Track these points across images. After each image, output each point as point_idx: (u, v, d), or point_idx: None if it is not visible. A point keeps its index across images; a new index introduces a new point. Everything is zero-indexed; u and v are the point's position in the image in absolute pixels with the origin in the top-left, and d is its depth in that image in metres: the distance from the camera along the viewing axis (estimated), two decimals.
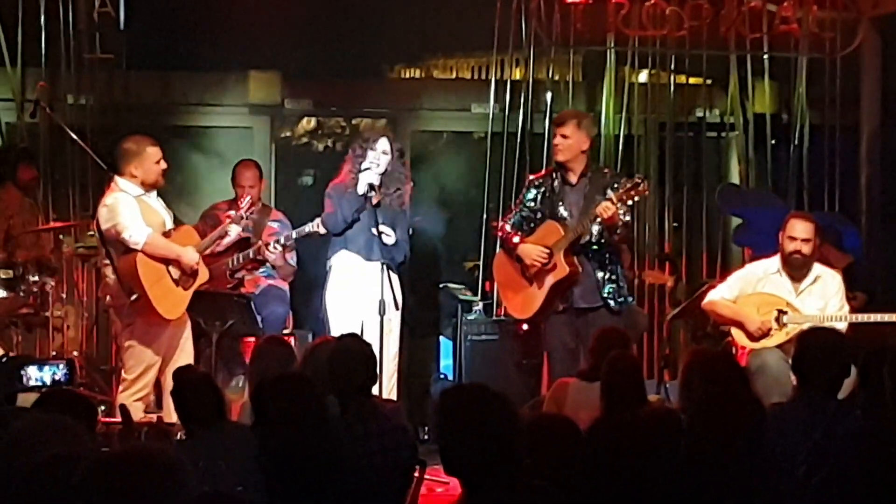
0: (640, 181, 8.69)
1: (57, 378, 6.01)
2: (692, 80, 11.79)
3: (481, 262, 11.14)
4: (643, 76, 11.60)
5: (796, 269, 8.97)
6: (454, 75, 12.24)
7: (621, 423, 4.34)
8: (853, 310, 9.05)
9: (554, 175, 8.99)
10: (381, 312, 8.61)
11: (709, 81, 11.84)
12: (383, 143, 9.12)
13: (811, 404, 6.01)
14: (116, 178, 8.67)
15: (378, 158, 9.07)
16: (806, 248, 8.92)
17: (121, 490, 3.20)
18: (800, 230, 8.95)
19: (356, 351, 6.34)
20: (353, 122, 12.18)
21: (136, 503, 3.19)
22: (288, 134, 12.11)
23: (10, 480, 3.62)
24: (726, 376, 5.75)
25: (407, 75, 12.30)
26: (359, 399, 6.10)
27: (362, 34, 11.38)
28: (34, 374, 6.04)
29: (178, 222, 9.03)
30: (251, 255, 9.53)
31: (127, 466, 3.25)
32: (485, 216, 11.25)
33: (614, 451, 3.97)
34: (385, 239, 8.91)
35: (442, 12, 11.12)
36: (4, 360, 6.89)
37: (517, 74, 11.45)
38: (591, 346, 7.67)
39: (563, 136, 8.90)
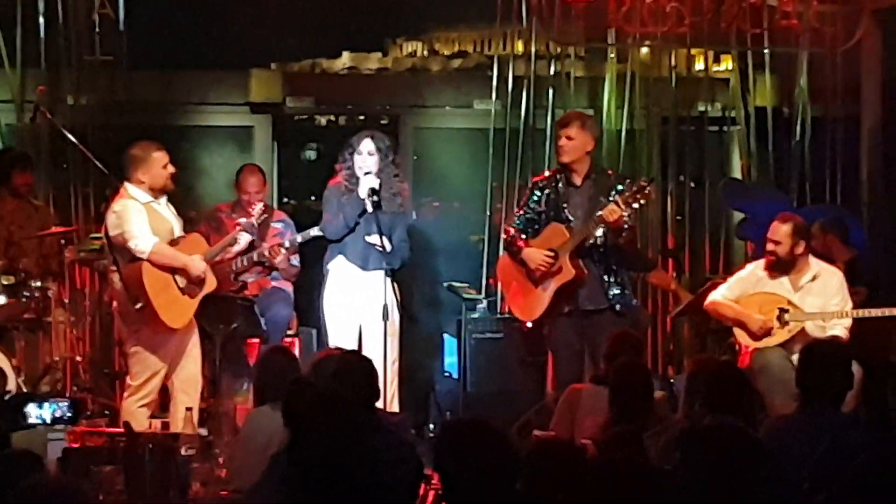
0: (645, 184, 8.67)
1: (58, 416, 5.96)
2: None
3: (486, 237, 11.18)
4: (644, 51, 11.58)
5: (774, 269, 8.98)
6: (456, 48, 12.19)
7: (625, 458, 4.36)
8: (856, 305, 9.03)
9: (558, 177, 8.98)
10: (385, 318, 8.61)
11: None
12: (367, 144, 9.05)
13: (815, 417, 6.02)
14: (126, 184, 8.62)
15: (365, 161, 9.03)
16: (779, 250, 8.90)
17: None
18: (772, 232, 8.95)
19: (360, 367, 6.36)
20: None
21: None
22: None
23: None
24: (729, 398, 5.78)
25: (409, 49, 12.24)
26: (364, 414, 6.10)
27: (363, 8, 11.38)
28: (34, 412, 5.99)
29: (187, 229, 8.99)
30: (255, 259, 9.54)
31: None
32: (489, 198, 11.29)
33: (617, 482, 3.98)
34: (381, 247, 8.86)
35: None
36: (6, 398, 6.83)
37: (519, 47, 11.41)
38: (604, 351, 7.69)
39: (568, 138, 8.88)
